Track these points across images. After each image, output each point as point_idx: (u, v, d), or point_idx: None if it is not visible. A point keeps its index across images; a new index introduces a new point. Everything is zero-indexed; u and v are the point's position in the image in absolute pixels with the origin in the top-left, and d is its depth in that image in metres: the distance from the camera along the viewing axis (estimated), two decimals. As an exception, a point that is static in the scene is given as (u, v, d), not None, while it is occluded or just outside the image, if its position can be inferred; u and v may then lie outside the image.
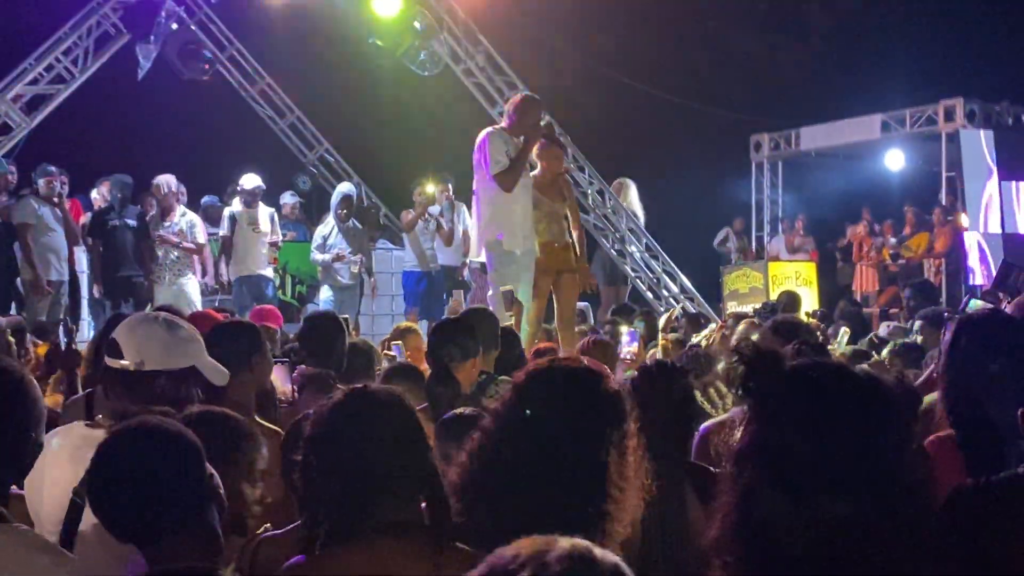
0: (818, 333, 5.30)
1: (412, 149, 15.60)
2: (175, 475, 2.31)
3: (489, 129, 8.12)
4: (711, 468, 3.59)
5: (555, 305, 8.57)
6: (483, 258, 8.27)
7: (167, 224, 10.92)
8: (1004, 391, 2.68)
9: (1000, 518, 2.14)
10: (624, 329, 6.66)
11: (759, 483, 1.67)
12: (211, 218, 12.49)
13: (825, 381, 1.74)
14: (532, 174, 8.37)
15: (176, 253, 10.86)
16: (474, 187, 8.16)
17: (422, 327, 11.84)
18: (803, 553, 1.62)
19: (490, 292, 8.12)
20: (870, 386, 1.71)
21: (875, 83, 17.02)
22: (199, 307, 10.03)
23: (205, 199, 12.92)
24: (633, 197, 13.50)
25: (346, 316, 7.03)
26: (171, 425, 2.41)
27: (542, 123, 8.34)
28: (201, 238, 11.09)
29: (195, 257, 11.14)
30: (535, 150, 8.37)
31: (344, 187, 11.90)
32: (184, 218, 11.02)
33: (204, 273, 11.65)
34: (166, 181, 10.94)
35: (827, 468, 1.66)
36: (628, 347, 6.57)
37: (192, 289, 10.97)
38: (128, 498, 2.28)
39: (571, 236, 8.67)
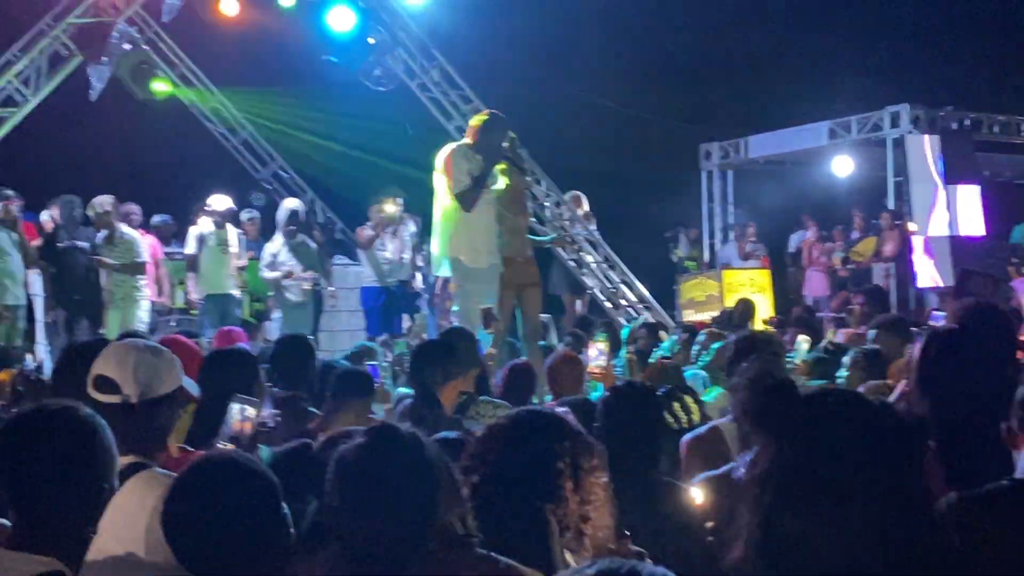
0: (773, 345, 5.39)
1: (367, 164, 15.62)
2: (260, 512, 2.32)
3: (453, 145, 8.16)
4: (680, 485, 3.70)
5: (520, 319, 8.63)
6: (446, 273, 8.30)
7: (104, 242, 10.73)
8: (981, 403, 2.78)
9: (985, 530, 2.22)
10: (593, 346, 6.75)
11: (781, 505, 1.77)
12: (163, 236, 12.43)
13: (840, 410, 1.84)
14: (494, 188, 8.43)
15: (123, 275, 10.74)
16: (435, 202, 8.19)
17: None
18: (827, 570, 1.73)
19: (454, 308, 8.16)
20: (884, 414, 1.82)
21: (822, 91, 17.26)
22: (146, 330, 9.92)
23: (156, 218, 12.84)
24: (586, 208, 13.64)
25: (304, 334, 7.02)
26: (250, 461, 2.44)
27: (505, 142, 8.40)
28: (143, 256, 10.92)
29: (148, 277, 11.02)
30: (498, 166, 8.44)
31: (291, 203, 11.85)
32: (123, 237, 10.82)
33: (160, 293, 11.60)
34: (100, 202, 10.73)
35: (846, 490, 1.77)
36: (595, 361, 6.67)
37: (142, 311, 10.85)
38: (216, 534, 2.27)
39: (532, 251, 8.74)
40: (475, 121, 8.20)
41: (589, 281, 13.96)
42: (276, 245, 11.43)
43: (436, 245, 8.22)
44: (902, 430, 1.80)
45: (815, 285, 16.55)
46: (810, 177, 18.07)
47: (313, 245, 11.75)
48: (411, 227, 12.79)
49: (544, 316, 10.39)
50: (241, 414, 3.43)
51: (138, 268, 10.86)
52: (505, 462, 2.51)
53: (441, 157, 8.01)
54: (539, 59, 16.54)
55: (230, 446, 3.31)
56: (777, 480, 1.79)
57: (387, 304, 12.44)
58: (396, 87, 13.77)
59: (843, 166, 17.23)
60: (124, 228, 10.94)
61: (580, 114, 17.51)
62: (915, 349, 3.21)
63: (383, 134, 15.94)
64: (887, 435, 1.82)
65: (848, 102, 16.27)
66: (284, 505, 2.40)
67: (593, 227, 14.06)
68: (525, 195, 9.13)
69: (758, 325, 10.64)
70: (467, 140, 8.18)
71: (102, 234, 10.80)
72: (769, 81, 18.73)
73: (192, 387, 3.53)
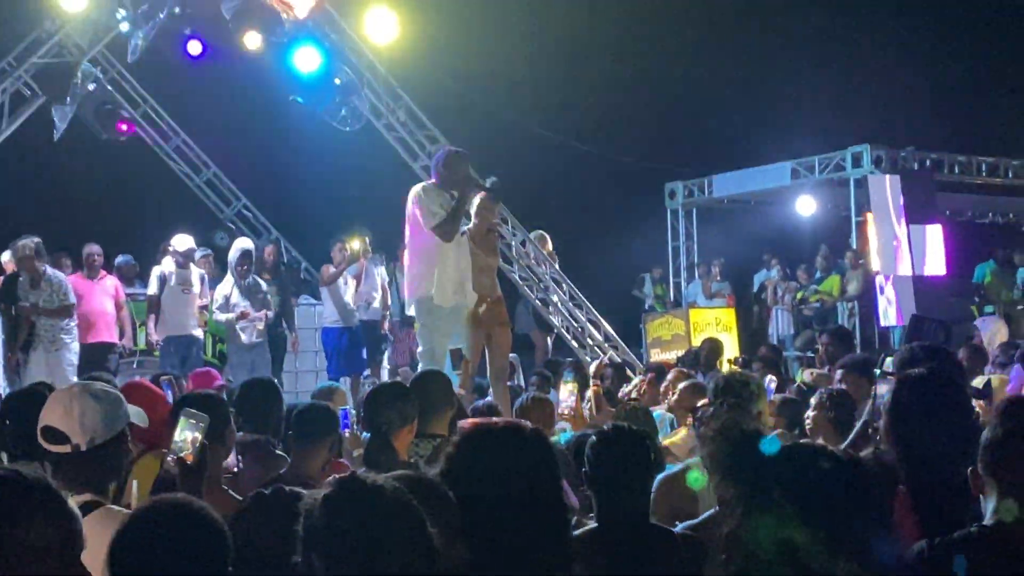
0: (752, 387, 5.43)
1: (332, 203, 15.61)
2: (204, 564, 2.32)
3: (422, 184, 8.19)
4: (668, 529, 3.71)
5: (487, 359, 8.64)
6: (413, 312, 8.31)
7: (29, 286, 10.37)
8: (951, 450, 2.81)
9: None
10: (563, 387, 6.75)
11: (755, 560, 1.78)
12: (125, 277, 12.35)
13: (810, 464, 1.86)
14: (466, 227, 8.46)
15: (51, 320, 10.38)
16: (405, 241, 8.20)
17: (344, 384, 11.93)
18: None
19: (419, 348, 8.15)
20: (851, 466, 1.84)
21: (785, 132, 17.48)
22: (73, 379, 9.31)
23: (119, 259, 12.76)
24: (550, 248, 13.73)
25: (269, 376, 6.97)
26: (202, 510, 2.44)
27: (487, 184, 8.45)
28: (70, 298, 10.52)
29: (74, 321, 10.65)
30: (475, 199, 8.49)
31: (242, 243, 11.73)
32: (50, 280, 10.45)
33: (122, 335, 11.51)
34: (21, 245, 10.38)
35: (820, 538, 1.78)
36: (566, 402, 6.68)
37: (71, 354, 10.52)
38: None
39: (499, 290, 8.77)
40: (437, 161, 8.25)
41: (555, 320, 13.99)
42: (227, 286, 11.27)
43: (407, 286, 8.22)
44: (868, 481, 1.81)
45: (780, 324, 16.66)
46: (774, 216, 18.25)
47: (264, 286, 11.66)
48: (380, 268, 12.80)
49: (513, 356, 10.39)
50: (186, 431, 3.41)
51: (65, 311, 10.46)
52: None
53: (410, 197, 8.04)
54: (505, 99, 16.68)
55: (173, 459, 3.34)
56: (747, 541, 1.80)
57: (350, 345, 12.38)
58: (362, 127, 13.78)
59: (806, 205, 17.41)
60: (50, 271, 10.59)
61: (545, 153, 17.62)
62: (877, 391, 3.23)
63: (349, 174, 16.00)
64: (859, 491, 1.83)
65: (810, 142, 16.47)
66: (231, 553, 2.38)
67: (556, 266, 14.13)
68: (495, 234, 9.16)
69: (724, 365, 10.68)
70: (433, 180, 8.22)
71: (24, 278, 10.41)
72: (733, 121, 18.96)
73: (141, 418, 3.60)
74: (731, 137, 18.94)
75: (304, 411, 4.97)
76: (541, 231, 13.95)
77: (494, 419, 3.32)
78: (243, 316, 11.12)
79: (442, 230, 7.91)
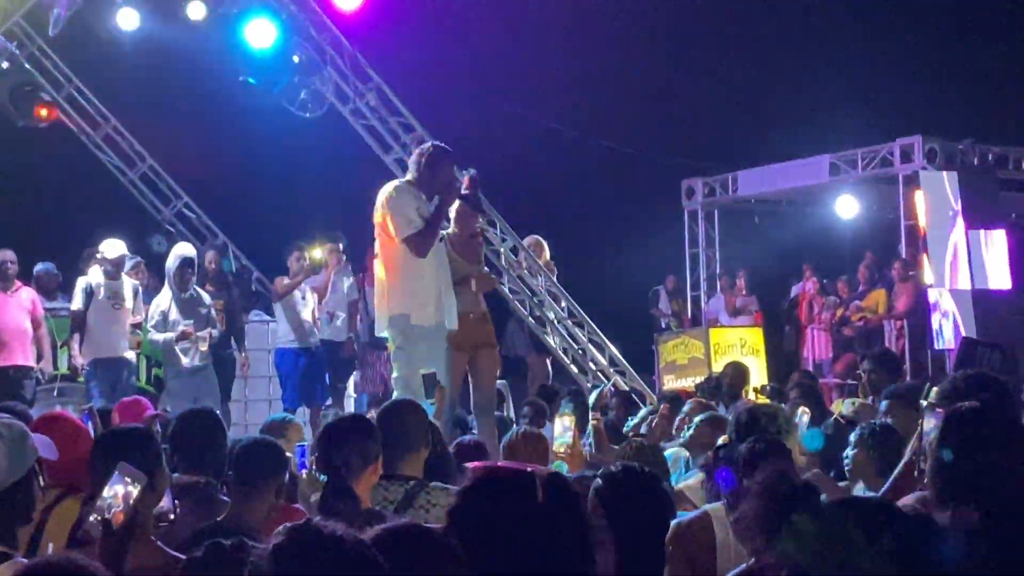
0: (780, 421, 5.44)
1: (289, 204, 15.61)
2: None
3: (395, 183, 8.18)
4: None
5: (471, 386, 8.62)
6: (386, 333, 8.27)
7: None
8: (1004, 489, 2.82)
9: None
10: (558, 420, 6.74)
11: None
12: (45, 289, 12.28)
13: (872, 527, 1.87)
14: (445, 233, 8.46)
15: None
16: (375, 250, 8.20)
17: (302, 415, 11.92)
18: None
19: (394, 374, 8.13)
20: (919, 529, 1.83)
21: (822, 120, 17.52)
22: None
23: (38, 267, 12.71)
24: (547, 256, 13.76)
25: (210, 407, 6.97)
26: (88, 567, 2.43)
27: (463, 177, 8.45)
28: None
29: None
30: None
31: (183, 249, 11.67)
32: None
33: (40, 357, 11.48)
34: None
35: None
36: (561, 438, 6.67)
37: None
38: None
39: (484, 304, 8.78)
40: (418, 156, 8.23)
41: (552, 340, 14.00)
42: (165, 300, 11.27)
43: (378, 302, 8.21)
44: (938, 547, 1.81)
45: (816, 346, 16.68)
46: (809, 219, 18.27)
47: (208, 299, 11.64)
48: (349, 279, 12.80)
49: (499, 382, 10.40)
50: (117, 487, 3.41)
51: None
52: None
53: (380, 199, 8.03)
54: (495, 83, 16.70)
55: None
56: None
57: (309, 370, 12.37)
58: (325, 113, 13.80)
59: (847, 207, 17.43)
60: None
61: (542, 145, 17.65)
62: (926, 424, 3.24)
63: (309, 169, 15.99)
64: (924, 556, 1.84)
65: (852, 133, 16.48)
66: None
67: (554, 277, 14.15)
68: (479, 241, 9.16)
69: (750, 394, 10.69)
70: (408, 178, 8.20)
71: None
72: (761, 108, 18.99)
73: (51, 450, 3.70)
74: (759, 127, 18.96)
75: (246, 448, 4.93)
76: (536, 236, 13.97)
77: (508, 464, 3.31)
78: (184, 335, 11.08)
79: (416, 243, 7.90)
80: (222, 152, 16.09)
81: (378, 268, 8.20)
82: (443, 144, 8.42)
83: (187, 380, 11.18)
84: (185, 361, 11.16)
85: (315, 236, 13.22)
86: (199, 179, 16.30)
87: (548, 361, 14.12)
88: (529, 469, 2.88)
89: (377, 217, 8.02)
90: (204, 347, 11.19)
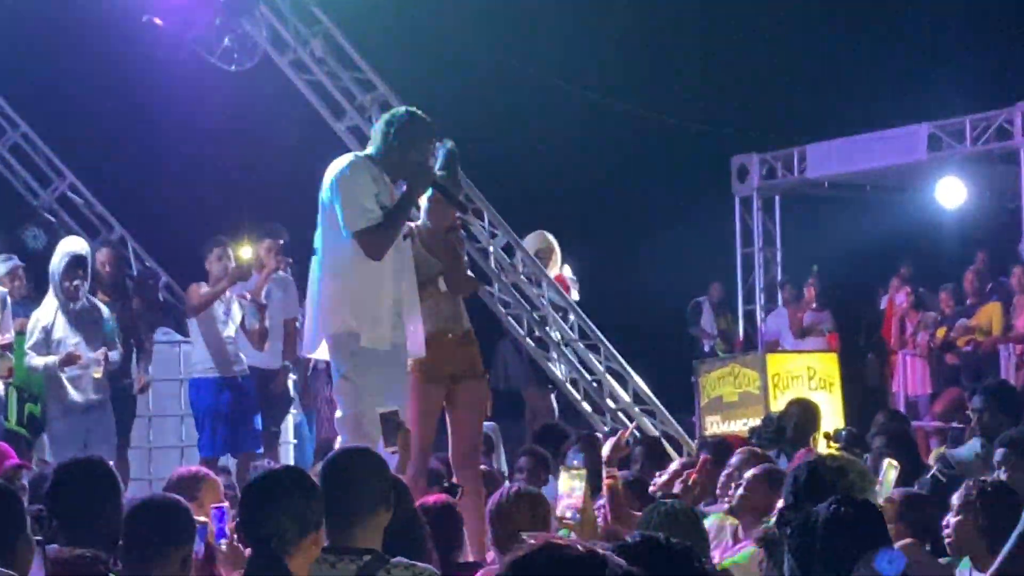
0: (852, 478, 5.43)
1: (209, 186, 15.58)
2: None
3: (350, 157, 8.09)
4: None
5: (449, 429, 8.57)
6: (325, 355, 8.23)
7: None
8: None
9: None
10: (564, 475, 6.73)
11: None
12: None
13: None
14: (411, 227, 8.44)
15: None
16: (316, 243, 8.15)
17: (224, 467, 11.85)
18: None
19: (339, 413, 8.11)
20: None
21: (918, 81, 17.52)
22: None
23: None
24: (557, 256, 13.73)
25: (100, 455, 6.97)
26: None
27: (440, 152, 8.41)
28: None
29: None
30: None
31: (70, 245, 11.67)
32: None
33: None
34: None
35: None
36: (568, 499, 6.65)
37: None
38: None
39: (468, 321, 8.76)
40: (386, 126, 8.17)
41: (556, 369, 13.98)
42: (47, 313, 11.28)
43: (312, 314, 8.15)
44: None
45: (909, 377, 16.67)
46: (901, 209, 18.29)
47: (106, 311, 11.60)
48: (288, 288, 12.77)
49: (487, 425, 10.38)
50: None
51: None
52: None
53: (329, 175, 7.95)
54: (480, 26, 16.62)
55: None
56: None
57: (233, 407, 12.35)
58: (257, 66, 13.77)
59: (951, 193, 17.41)
60: None
61: (545, 110, 17.59)
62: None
63: (235, 140, 15.94)
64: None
65: (958, 97, 16.47)
66: None
67: (575, 294, 14.10)
68: (460, 238, 9.13)
69: (821, 442, 10.70)
70: (370, 151, 8.17)
71: None
72: (837, 63, 18.97)
73: None
74: (834, 87, 18.98)
75: (143, 509, 4.96)
76: (544, 233, 13.94)
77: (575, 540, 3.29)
78: (72, 359, 11.08)
79: (371, 240, 7.82)
80: (119, 118, 16.05)
81: (315, 267, 8.10)
82: (420, 111, 8.38)
83: (75, 420, 11.19)
84: (74, 394, 11.18)
85: (244, 229, 13.15)
86: (89, 153, 16.28)
87: (552, 396, 14.10)
88: (587, 548, 2.89)
89: (324, 200, 7.98)
90: (99, 375, 11.19)
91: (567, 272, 14.10)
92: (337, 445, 7.68)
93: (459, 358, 8.52)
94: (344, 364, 7.91)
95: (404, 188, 8.01)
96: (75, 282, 11.27)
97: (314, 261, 8.10)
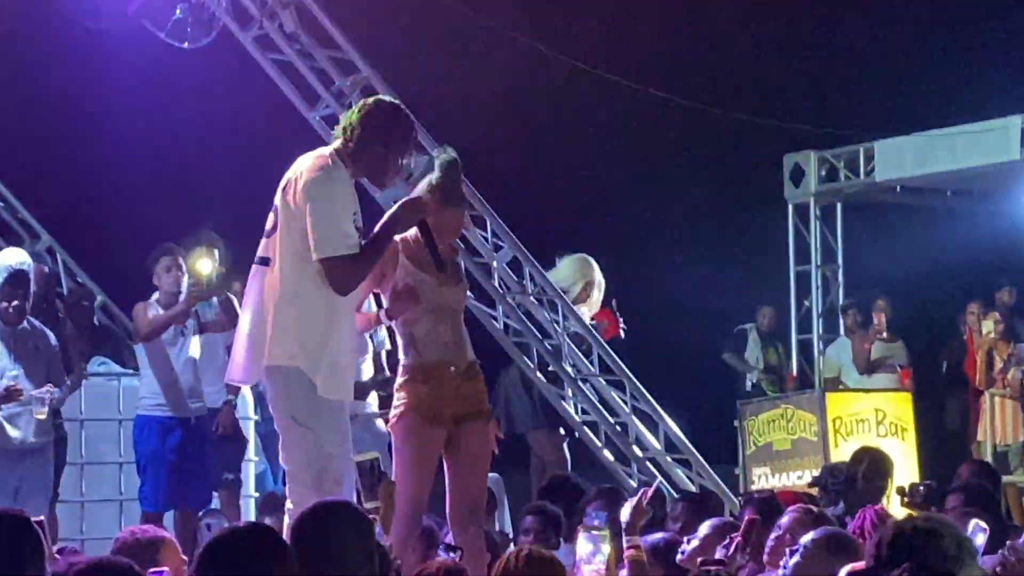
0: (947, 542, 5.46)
1: (155, 188, 15.62)
2: None
3: (325, 158, 8.01)
4: None
5: (447, 481, 8.60)
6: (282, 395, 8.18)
7: None
8: None
9: None
10: (582, 536, 6.76)
11: None
12: None
13: None
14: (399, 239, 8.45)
15: None
16: (265, 252, 8.10)
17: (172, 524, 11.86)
18: None
19: (286, 466, 8.07)
20: None
21: (1012, 64, 17.52)
22: None
23: None
24: (599, 284, 13.87)
25: (40, 519, 7.00)
26: None
27: (437, 163, 8.45)
28: None
29: None
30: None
31: (7, 258, 11.78)
32: None
33: None
34: None
35: None
36: (589, 565, 6.70)
37: None
38: None
39: (472, 351, 8.74)
40: (365, 116, 8.17)
41: (572, 410, 13.95)
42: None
43: (248, 334, 8.03)
44: None
45: (999, 422, 16.68)
46: (989, 220, 18.29)
47: (52, 339, 11.67)
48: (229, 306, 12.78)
49: (491, 477, 10.40)
50: None
51: None
52: None
53: (301, 179, 7.89)
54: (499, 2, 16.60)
55: None
56: None
57: (183, 451, 12.39)
58: (214, 42, 13.80)
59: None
60: None
61: (570, 98, 17.55)
62: None
63: (189, 132, 15.97)
64: None
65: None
66: None
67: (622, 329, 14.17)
68: (458, 250, 9.16)
69: (893, 499, 10.73)
70: (335, 146, 8.13)
71: None
72: (911, 47, 18.99)
73: None
74: (909, 76, 19.01)
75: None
76: (585, 257, 14.03)
77: None
78: (11, 395, 11.15)
79: (343, 271, 7.84)
80: (47, 104, 16.10)
81: (266, 280, 8.04)
82: (397, 101, 8.44)
83: (8, 465, 11.27)
84: (13, 433, 11.28)
85: (199, 236, 13.12)
86: (13, 148, 16.23)
87: (564, 443, 14.12)
88: None
89: (290, 198, 7.92)
90: (42, 416, 11.30)
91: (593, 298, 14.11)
92: (291, 504, 7.71)
93: (463, 395, 8.54)
94: (295, 405, 7.91)
95: (386, 219, 8.01)
96: (14, 302, 11.32)
97: (263, 272, 8.02)
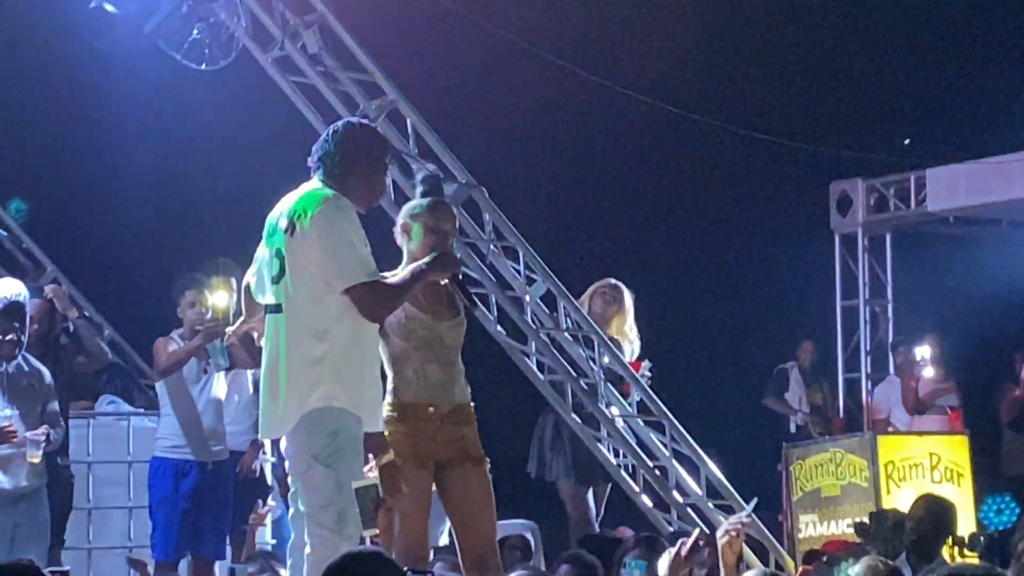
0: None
1: (172, 216, 15.54)
2: None
3: (318, 191, 8.08)
4: None
5: (452, 529, 8.72)
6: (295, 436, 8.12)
7: None
8: None
9: None
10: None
11: None
12: None
13: None
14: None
15: None
16: (272, 301, 8.15)
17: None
18: None
19: (303, 507, 8.03)
20: None
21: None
22: None
23: None
24: (630, 315, 13.80)
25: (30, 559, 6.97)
26: None
27: (419, 179, 8.67)
28: None
29: None
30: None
31: (6, 288, 11.76)
32: None
33: None
34: None
35: None
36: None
37: None
38: None
39: (467, 391, 8.84)
40: (333, 144, 8.22)
41: (609, 453, 13.84)
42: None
43: (271, 387, 8.12)
44: None
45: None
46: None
47: (48, 376, 11.64)
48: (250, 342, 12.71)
49: (522, 523, 10.24)
50: None
51: None
52: None
53: (304, 222, 7.95)
54: (532, 24, 16.54)
55: None
56: None
57: (197, 498, 12.30)
58: (233, 63, 13.74)
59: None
60: None
61: (608, 123, 17.60)
62: None
63: (207, 155, 15.91)
64: None
65: None
66: None
67: (647, 371, 14.05)
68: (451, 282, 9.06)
69: (950, 549, 10.64)
70: (320, 178, 8.19)
71: None
72: (968, 71, 18.94)
73: None
74: (963, 100, 18.97)
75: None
76: (614, 283, 13.99)
77: None
78: (4, 437, 11.15)
79: (375, 297, 7.97)
80: (55, 129, 16.10)
81: (280, 328, 8.11)
82: (365, 121, 8.67)
83: (4, 510, 11.24)
84: (2, 480, 11.23)
85: (217, 265, 13.04)
86: (17, 171, 16.27)
87: (588, 494, 13.91)
88: None
89: (299, 233, 7.97)
90: (36, 459, 11.27)
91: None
92: (309, 549, 7.75)
93: (442, 440, 8.65)
94: (318, 443, 7.94)
95: (422, 262, 8.24)
96: (8, 336, 11.32)
97: (277, 320, 8.12)
